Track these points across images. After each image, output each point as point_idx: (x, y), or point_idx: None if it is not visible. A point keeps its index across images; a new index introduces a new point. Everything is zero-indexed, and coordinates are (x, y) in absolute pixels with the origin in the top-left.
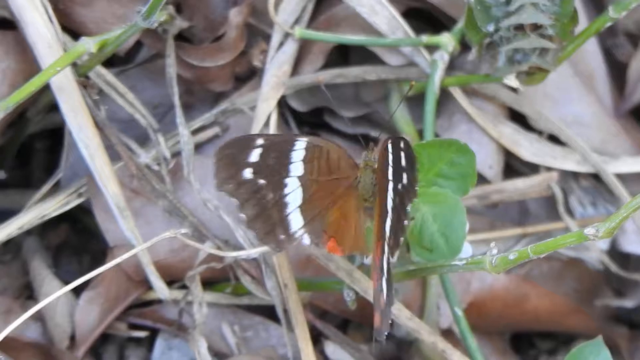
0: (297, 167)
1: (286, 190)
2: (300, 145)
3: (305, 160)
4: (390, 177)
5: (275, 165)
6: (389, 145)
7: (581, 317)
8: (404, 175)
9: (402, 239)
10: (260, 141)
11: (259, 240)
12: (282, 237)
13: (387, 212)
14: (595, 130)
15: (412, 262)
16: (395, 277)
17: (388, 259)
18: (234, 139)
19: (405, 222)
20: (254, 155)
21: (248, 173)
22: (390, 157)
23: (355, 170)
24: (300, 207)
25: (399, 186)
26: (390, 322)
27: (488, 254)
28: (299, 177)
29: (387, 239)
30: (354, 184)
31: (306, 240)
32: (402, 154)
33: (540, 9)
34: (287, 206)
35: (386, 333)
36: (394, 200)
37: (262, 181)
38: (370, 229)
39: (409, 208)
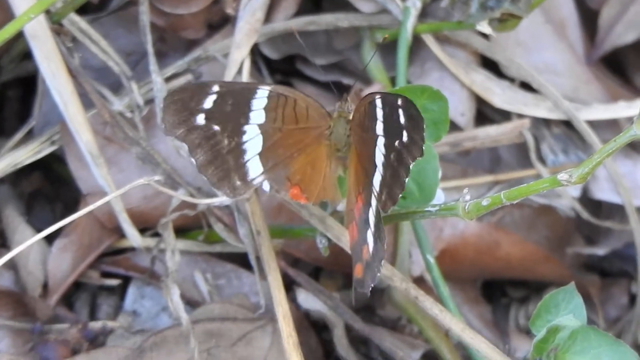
0: (258, 115)
1: (244, 138)
2: (262, 94)
3: (267, 109)
4: (380, 132)
5: (232, 112)
6: (378, 101)
7: (553, 264)
8: (404, 133)
9: (399, 194)
10: (215, 88)
11: (211, 186)
12: (239, 183)
13: (375, 166)
14: (566, 77)
15: None
16: None
17: (378, 212)
18: (187, 84)
19: (406, 178)
20: (208, 102)
21: (200, 119)
22: (381, 112)
23: (326, 120)
24: (259, 154)
25: (397, 143)
26: (378, 274)
27: (461, 200)
28: (260, 125)
29: (376, 193)
30: (324, 133)
31: (266, 186)
32: (401, 112)
33: None
34: (245, 153)
35: (371, 285)
36: (387, 157)
37: (216, 127)
38: (343, 178)
39: (411, 165)
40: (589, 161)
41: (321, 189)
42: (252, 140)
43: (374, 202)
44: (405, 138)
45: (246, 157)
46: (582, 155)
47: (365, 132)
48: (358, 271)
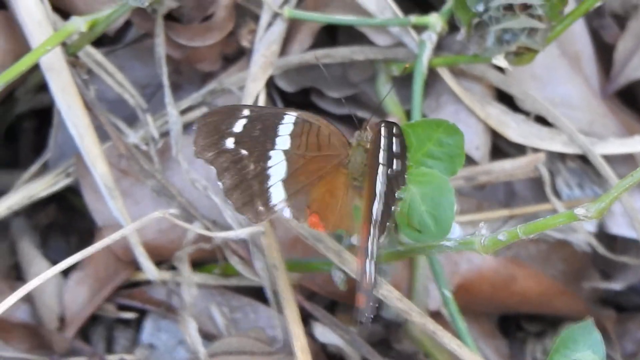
0: (283, 141)
1: (269, 163)
2: (289, 120)
3: (293, 135)
4: (382, 160)
5: (260, 137)
6: (383, 129)
7: (569, 299)
8: (395, 161)
9: (388, 224)
10: (246, 112)
11: (235, 210)
12: (261, 209)
13: (375, 195)
14: (582, 111)
15: (400, 242)
16: (385, 258)
17: (374, 241)
18: (220, 107)
19: (393, 207)
20: (238, 126)
21: (230, 142)
22: (384, 140)
23: (346, 149)
24: (283, 180)
25: (389, 172)
26: (375, 305)
27: (477, 234)
28: (285, 151)
29: (374, 222)
30: (343, 162)
31: (287, 213)
32: (395, 140)
33: None
34: (269, 178)
35: (371, 316)
36: (384, 185)
37: (244, 152)
38: (358, 207)
39: (397, 194)
40: (606, 196)
41: (338, 218)
42: (277, 166)
43: (372, 231)
44: (395, 166)
45: (270, 183)
46: (597, 190)
47: (374, 160)
48: (359, 301)
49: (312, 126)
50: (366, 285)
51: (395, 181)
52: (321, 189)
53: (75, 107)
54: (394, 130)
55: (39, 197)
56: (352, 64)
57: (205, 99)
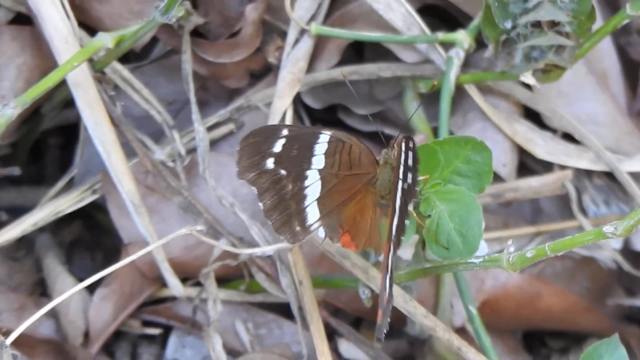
0: (318, 160)
1: (306, 183)
2: (324, 139)
3: (327, 154)
4: (400, 176)
5: (297, 156)
6: (403, 144)
7: (594, 316)
8: (409, 175)
9: (403, 238)
10: (285, 132)
11: (275, 231)
12: (298, 229)
13: (395, 210)
14: (609, 128)
15: (427, 259)
16: (411, 275)
17: (392, 257)
18: (260, 128)
19: (407, 221)
20: (278, 146)
21: (270, 163)
22: (403, 156)
23: (374, 167)
24: (318, 200)
25: (405, 185)
26: (388, 320)
27: (505, 251)
28: (320, 170)
29: (392, 237)
30: (372, 180)
31: (321, 233)
32: (411, 154)
33: (558, 6)
34: (305, 198)
35: (385, 331)
36: (400, 200)
37: (283, 172)
38: (385, 225)
39: (410, 208)
40: (634, 213)
41: (367, 237)
42: (313, 185)
43: (392, 247)
44: (410, 180)
45: (306, 203)
46: (623, 207)
47: (396, 177)
48: (379, 317)
49: (345, 145)
50: (384, 301)
51: (408, 195)
52: (352, 208)
53: (101, 124)
54: (409, 144)
55: (64, 213)
56: (379, 80)
57: (232, 115)
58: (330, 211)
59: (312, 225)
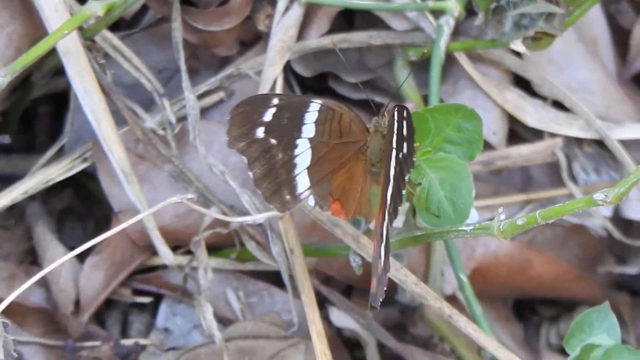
0: (309, 129)
1: (296, 152)
2: (315, 107)
3: (317, 123)
4: (394, 145)
5: (287, 125)
6: (396, 113)
7: (584, 283)
8: (405, 145)
9: (399, 207)
10: (275, 101)
11: (264, 200)
12: (288, 197)
13: (389, 179)
14: (599, 96)
15: (418, 227)
16: (401, 243)
17: (387, 226)
18: (250, 97)
19: (403, 191)
20: (268, 115)
21: (260, 132)
22: (396, 125)
23: (365, 135)
24: (308, 168)
25: (400, 155)
26: (384, 288)
27: (496, 219)
28: (310, 139)
29: (387, 206)
30: (362, 148)
31: (311, 202)
32: (404, 123)
33: None
34: (295, 167)
35: (381, 299)
36: (395, 169)
37: (273, 141)
38: (376, 194)
39: (407, 177)
40: (624, 181)
41: (358, 204)
42: (303, 154)
43: (386, 215)
44: (405, 150)
45: (296, 172)
46: (614, 175)
47: (389, 145)
48: (373, 285)
49: (335, 113)
50: (378, 270)
51: (405, 164)
52: (342, 176)
53: (92, 92)
54: (404, 113)
55: (55, 181)
56: (369, 48)
57: (223, 83)
58: (320, 179)
59: (302, 193)
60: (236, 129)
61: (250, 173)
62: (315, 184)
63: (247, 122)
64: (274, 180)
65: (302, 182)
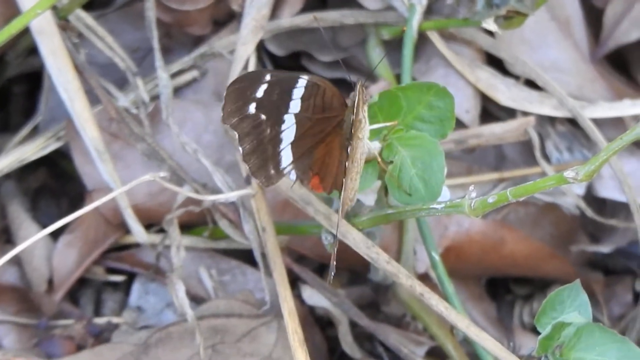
0: (295, 104)
1: (283, 127)
2: (302, 83)
3: (302, 98)
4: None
5: (277, 101)
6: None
7: (557, 262)
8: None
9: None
10: (267, 77)
11: (251, 174)
12: (273, 172)
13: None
14: (571, 75)
15: (390, 205)
16: (373, 221)
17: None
18: (246, 74)
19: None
20: (260, 91)
21: (252, 108)
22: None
23: (344, 110)
24: (292, 143)
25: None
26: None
27: (467, 197)
28: (295, 114)
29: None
30: (341, 123)
31: (293, 176)
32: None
33: None
34: (281, 142)
35: (333, 271)
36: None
37: (263, 116)
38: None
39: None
40: (595, 159)
41: (335, 179)
42: (289, 129)
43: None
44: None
45: (282, 147)
46: (586, 153)
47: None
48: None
49: (319, 89)
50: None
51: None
52: (321, 151)
53: (65, 71)
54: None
55: (29, 160)
56: (342, 27)
57: (196, 62)
58: (302, 154)
59: (285, 168)
60: (231, 104)
61: (240, 148)
62: (297, 158)
63: (240, 98)
64: (261, 155)
65: (286, 156)
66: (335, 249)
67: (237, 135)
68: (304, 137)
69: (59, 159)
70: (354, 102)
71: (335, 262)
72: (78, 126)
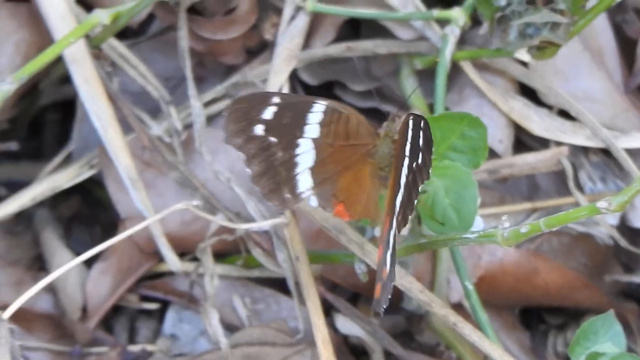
0: (312, 129)
1: (298, 151)
2: (319, 108)
3: (322, 124)
4: (407, 153)
5: (289, 125)
6: (410, 122)
7: (591, 292)
8: (420, 155)
9: (410, 216)
10: (276, 99)
11: (262, 197)
12: (288, 196)
13: (399, 186)
14: (605, 105)
15: (423, 235)
16: (407, 250)
17: (394, 233)
18: (249, 94)
19: (415, 201)
20: (268, 113)
21: (259, 129)
22: (410, 133)
23: (373, 138)
24: (311, 168)
25: (414, 164)
26: (389, 296)
27: (500, 227)
28: (314, 139)
29: (396, 213)
30: (371, 152)
31: (314, 202)
32: (421, 133)
33: None
34: (296, 166)
35: (384, 307)
36: (407, 177)
37: (273, 139)
38: (383, 197)
39: (420, 188)
40: (628, 189)
41: (363, 207)
42: (305, 154)
43: (394, 223)
44: (420, 160)
45: (297, 171)
46: (620, 184)
47: (400, 152)
48: (377, 291)
49: (341, 115)
50: (383, 276)
51: (419, 174)
52: (348, 178)
53: (98, 99)
54: (421, 124)
55: (62, 188)
56: (375, 57)
57: (229, 91)
58: (324, 180)
59: (303, 193)
60: (233, 124)
61: (248, 170)
62: (319, 184)
63: (244, 119)
64: (273, 178)
65: (304, 181)
66: (391, 283)
67: (244, 157)
68: (326, 164)
69: (92, 187)
70: (387, 131)
71: (384, 294)
72: (111, 154)
